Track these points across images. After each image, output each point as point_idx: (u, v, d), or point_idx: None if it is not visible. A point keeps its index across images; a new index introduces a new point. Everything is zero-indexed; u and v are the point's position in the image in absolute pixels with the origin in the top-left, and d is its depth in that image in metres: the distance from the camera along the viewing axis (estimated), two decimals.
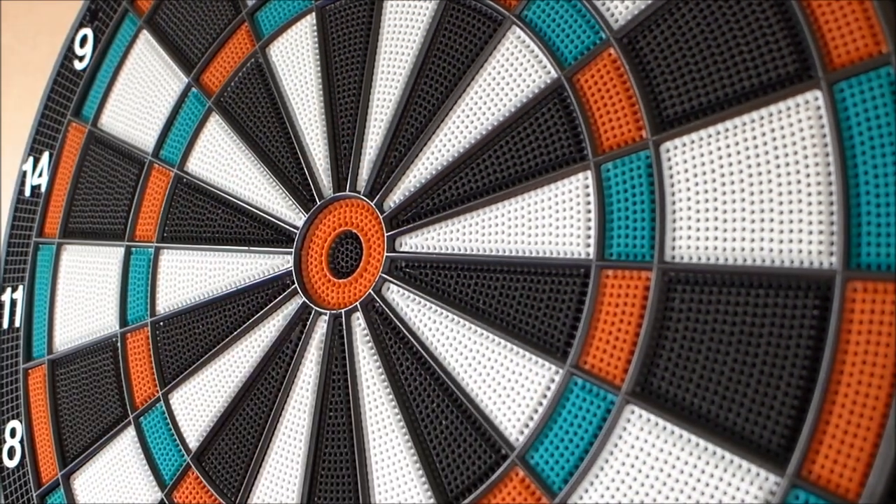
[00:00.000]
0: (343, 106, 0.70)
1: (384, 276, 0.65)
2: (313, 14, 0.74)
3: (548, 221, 0.59)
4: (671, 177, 0.54)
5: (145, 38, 0.84)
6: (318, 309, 0.68)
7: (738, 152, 0.52)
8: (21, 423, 0.83)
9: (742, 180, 0.52)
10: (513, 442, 0.57)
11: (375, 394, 0.64)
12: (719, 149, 0.53)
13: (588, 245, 0.57)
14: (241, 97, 0.76)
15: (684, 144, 0.54)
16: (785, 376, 0.48)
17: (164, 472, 0.73)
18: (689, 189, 0.54)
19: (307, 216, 0.70)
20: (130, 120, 0.83)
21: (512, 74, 0.62)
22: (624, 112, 0.57)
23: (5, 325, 0.87)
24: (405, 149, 0.66)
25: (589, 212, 0.57)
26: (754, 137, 0.52)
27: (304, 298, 0.69)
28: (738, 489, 0.49)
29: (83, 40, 0.89)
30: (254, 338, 0.71)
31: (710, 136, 0.53)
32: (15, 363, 0.85)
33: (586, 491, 0.54)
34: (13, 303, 0.87)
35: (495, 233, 0.61)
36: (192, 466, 0.71)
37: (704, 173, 0.53)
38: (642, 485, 0.52)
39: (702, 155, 0.53)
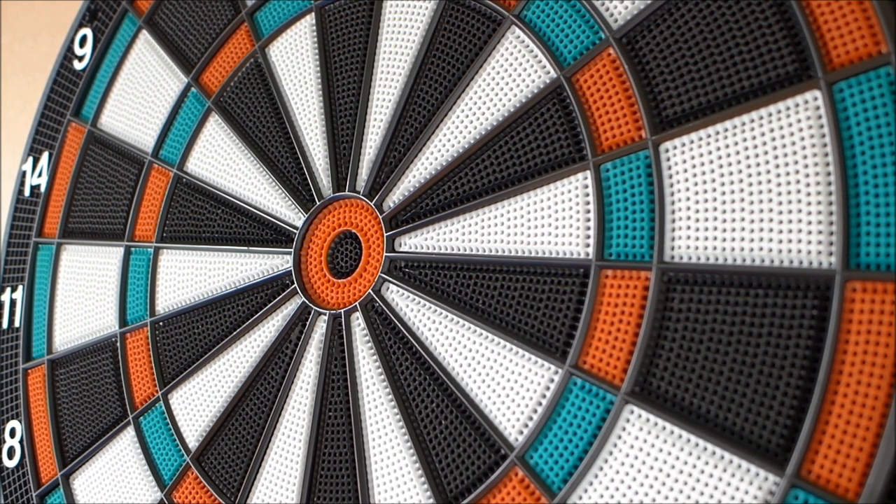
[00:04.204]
0: (342, 106, 0.70)
1: (383, 276, 0.65)
2: (313, 14, 0.74)
3: (547, 221, 0.59)
4: (670, 177, 0.54)
5: (145, 38, 0.84)
6: (317, 309, 0.68)
7: (738, 152, 0.52)
8: (21, 423, 0.83)
9: (741, 180, 0.52)
10: (512, 442, 0.57)
11: (375, 394, 0.64)
12: (718, 149, 0.53)
13: (587, 245, 0.57)
14: (241, 97, 0.76)
15: (683, 144, 0.54)
16: (784, 376, 0.48)
17: (163, 472, 0.73)
18: (688, 189, 0.54)
19: (307, 216, 0.70)
20: (130, 120, 0.83)
21: (511, 74, 0.62)
22: (623, 112, 0.57)
23: (5, 325, 0.87)
24: (405, 149, 0.66)
25: (588, 212, 0.57)
26: (753, 137, 0.52)
27: (303, 298, 0.69)
28: (737, 489, 0.49)
29: (83, 40, 0.89)
30: (253, 338, 0.71)
31: (709, 136, 0.53)
32: (15, 363, 0.85)
33: (585, 491, 0.54)
34: (13, 303, 0.87)
35: (495, 233, 0.61)
36: (192, 466, 0.71)
37: (704, 173, 0.53)
38: (641, 485, 0.52)
39: (701, 155, 0.53)
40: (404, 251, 0.65)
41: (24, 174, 0.90)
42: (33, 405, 0.83)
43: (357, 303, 0.66)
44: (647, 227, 0.55)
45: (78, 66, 0.88)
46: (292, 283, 0.70)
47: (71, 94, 0.88)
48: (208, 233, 0.76)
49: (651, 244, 0.54)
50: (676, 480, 0.51)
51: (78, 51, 0.89)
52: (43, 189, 0.88)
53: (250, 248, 0.73)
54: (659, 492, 0.51)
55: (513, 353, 0.58)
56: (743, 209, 0.51)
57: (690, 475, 0.50)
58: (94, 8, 0.88)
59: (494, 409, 0.58)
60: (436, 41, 0.66)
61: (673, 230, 0.54)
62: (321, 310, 0.68)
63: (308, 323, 0.68)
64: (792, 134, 0.50)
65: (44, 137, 0.90)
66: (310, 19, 0.74)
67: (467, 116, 0.64)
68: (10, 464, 0.84)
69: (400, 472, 0.61)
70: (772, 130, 0.51)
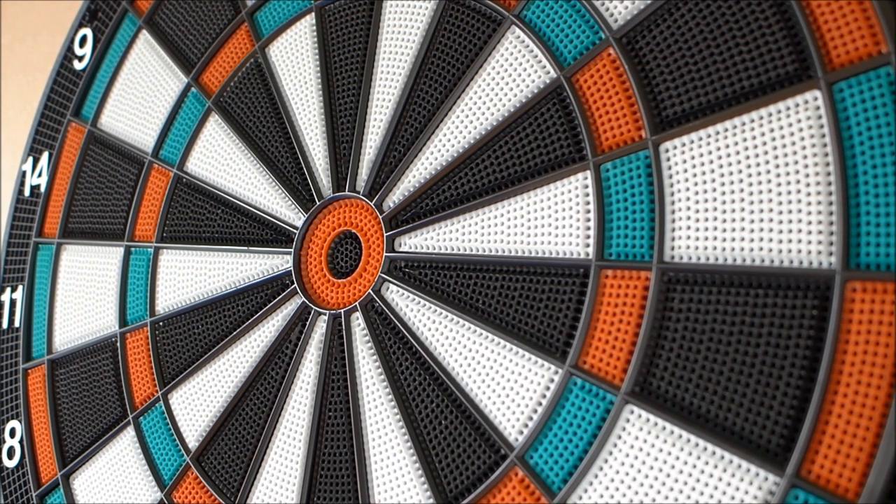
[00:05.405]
0: (342, 106, 0.70)
1: (383, 276, 0.65)
2: (313, 14, 0.74)
3: (547, 221, 0.59)
4: (670, 177, 0.54)
5: (145, 38, 0.84)
6: (317, 309, 0.68)
7: (738, 152, 0.52)
8: (21, 423, 0.83)
9: (741, 180, 0.52)
10: (512, 442, 0.57)
11: (375, 394, 0.64)
12: (718, 149, 0.53)
13: (587, 245, 0.57)
14: (241, 97, 0.76)
15: (683, 144, 0.54)
16: (784, 376, 0.48)
17: (163, 472, 0.73)
18: (688, 189, 0.54)
19: (307, 216, 0.70)
20: (130, 120, 0.83)
21: (511, 74, 0.62)
22: (623, 112, 0.57)
23: (5, 325, 0.87)
24: (404, 149, 0.66)
25: (588, 212, 0.57)
26: (754, 137, 0.52)
27: (303, 298, 0.69)
28: (737, 489, 0.49)
29: (83, 40, 0.89)
30: (253, 338, 0.71)
31: (709, 136, 0.53)
32: (15, 363, 0.85)
33: (585, 491, 0.54)
34: (13, 303, 0.87)
35: (495, 233, 0.61)
36: (192, 466, 0.71)
37: (704, 173, 0.53)
38: (641, 485, 0.52)
39: (701, 155, 0.53)
40: (404, 251, 0.65)
41: (24, 174, 0.90)
42: (33, 405, 0.83)
43: (357, 303, 0.66)
44: (647, 227, 0.55)
45: (78, 66, 0.88)
46: (292, 283, 0.70)
47: (71, 94, 0.88)
48: (208, 233, 0.76)
49: (651, 244, 0.54)
50: (676, 480, 0.51)
51: (78, 51, 0.89)
52: (43, 189, 0.88)
53: (250, 248, 0.73)
54: (659, 492, 0.51)
55: (513, 353, 0.58)
56: (743, 209, 0.51)
57: (690, 475, 0.50)
58: (94, 8, 0.88)
59: (494, 409, 0.58)
60: (436, 41, 0.66)
61: (673, 230, 0.54)
62: (321, 310, 0.68)
63: (308, 323, 0.68)
64: (792, 134, 0.50)
65: (44, 137, 0.90)
66: (310, 19, 0.74)
67: (467, 116, 0.64)
68: (10, 464, 0.84)
69: (400, 472, 0.61)
70: (772, 130, 0.51)
